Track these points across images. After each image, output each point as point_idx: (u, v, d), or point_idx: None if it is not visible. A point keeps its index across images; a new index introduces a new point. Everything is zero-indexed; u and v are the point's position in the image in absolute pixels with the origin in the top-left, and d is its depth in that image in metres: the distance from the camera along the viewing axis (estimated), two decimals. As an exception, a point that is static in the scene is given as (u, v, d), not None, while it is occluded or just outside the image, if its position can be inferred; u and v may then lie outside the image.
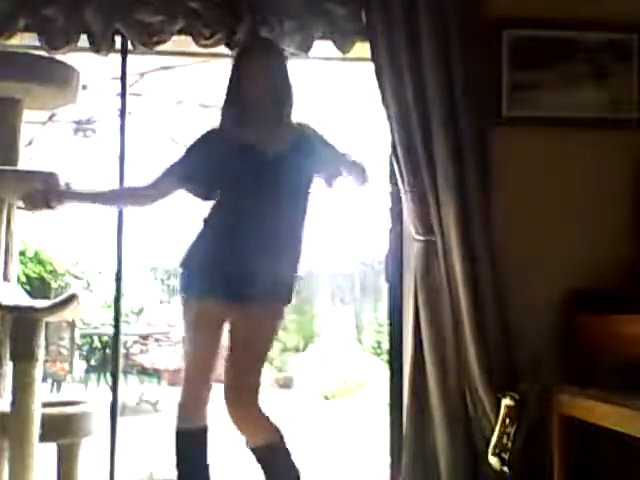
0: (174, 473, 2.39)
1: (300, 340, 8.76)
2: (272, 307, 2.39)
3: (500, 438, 2.66)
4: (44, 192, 2.43)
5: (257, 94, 2.42)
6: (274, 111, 2.44)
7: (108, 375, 5.88)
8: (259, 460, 2.34)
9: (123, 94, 3.10)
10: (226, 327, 2.44)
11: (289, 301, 2.46)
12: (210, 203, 2.48)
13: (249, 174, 2.38)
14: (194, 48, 2.96)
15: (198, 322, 2.40)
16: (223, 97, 2.49)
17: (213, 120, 2.53)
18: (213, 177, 2.45)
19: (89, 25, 2.87)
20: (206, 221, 2.46)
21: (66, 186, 2.54)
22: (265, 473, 2.34)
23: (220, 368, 2.39)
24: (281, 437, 2.34)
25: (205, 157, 2.46)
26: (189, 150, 2.52)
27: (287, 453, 2.35)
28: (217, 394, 2.37)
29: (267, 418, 2.33)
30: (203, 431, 2.41)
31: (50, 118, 6.06)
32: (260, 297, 2.32)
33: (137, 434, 5.02)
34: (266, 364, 2.49)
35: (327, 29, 2.93)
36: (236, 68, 2.48)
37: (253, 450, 2.33)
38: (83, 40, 2.90)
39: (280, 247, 2.38)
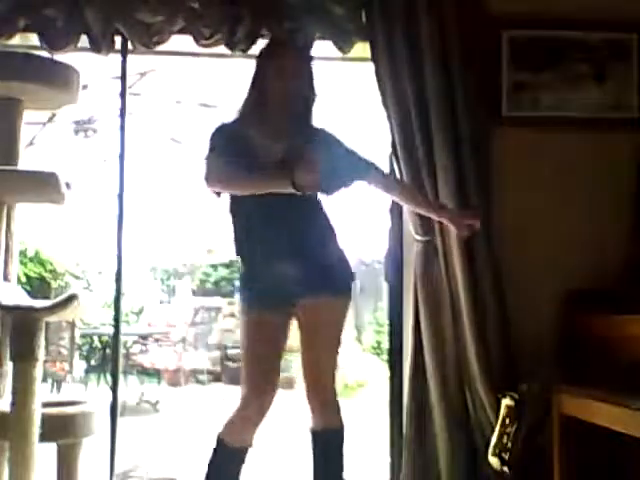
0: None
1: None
2: (324, 298, 2.34)
3: (500, 438, 2.66)
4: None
5: (283, 94, 2.37)
6: (295, 112, 2.40)
7: (108, 375, 5.88)
8: (314, 443, 2.39)
9: (123, 94, 3.10)
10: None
11: (345, 289, 2.43)
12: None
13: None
14: (194, 48, 2.96)
15: (255, 336, 2.39)
16: (245, 92, 2.42)
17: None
18: None
19: (89, 25, 2.87)
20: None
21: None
22: (314, 458, 2.39)
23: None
24: (342, 430, 2.39)
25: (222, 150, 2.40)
26: (212, 143, 2.42)
27: (341, 447, 2.39)
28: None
29: (339, 408, 2.39)
30: (244, 450, 2.36)
31: (50, 118, 6.06)
32: (307, 292, 2.31)
33: (137, 434, 5.03)
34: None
35: (327, 29, 2.93)
36: (263, 65, 2.41)
37: (314, 433, 2.39)
38: (83, 40, 2.90)
39: (305, 243, 2.35)
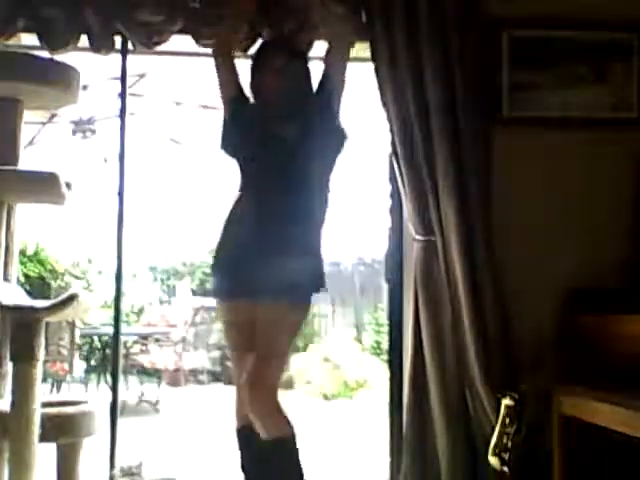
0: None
1: (300, 340, 8.76)
2: (289, 302, 2.37)
3: (500, 438, 2.66)
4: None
5: (274, 93, 2.51)
6: (292, 103, 2.50)
7: (108, 375, 5.88)
8: (267, 452, 2.36)
9: (123, 94, 3.10)
10: None
11: (315, 291, 2.46)
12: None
13: (265, 160, 2.47)
14: (194, 48, 2.96)
15: (229, 324, 2.54)
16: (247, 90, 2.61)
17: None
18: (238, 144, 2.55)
19: (89, 25, 2.87)
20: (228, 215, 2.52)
21: None
22: (271, 467, 2.37)
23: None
24: (293, 435, 2.36)
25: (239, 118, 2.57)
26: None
27: (295, 452, 2.37)
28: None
29: (283, 413, 2.38)
30: (249, 430, 2.41)
31: (50, 118, 6.06)
32: (275, 294, 2.33)
33: (137, 434, 5.03)
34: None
35: (327, 29, 2.93)
36: (254, 65, 2.59)
37: (264, 441, 2.35)
38: (83, 40, 2.90)
39: (295, 238, 2.40)
